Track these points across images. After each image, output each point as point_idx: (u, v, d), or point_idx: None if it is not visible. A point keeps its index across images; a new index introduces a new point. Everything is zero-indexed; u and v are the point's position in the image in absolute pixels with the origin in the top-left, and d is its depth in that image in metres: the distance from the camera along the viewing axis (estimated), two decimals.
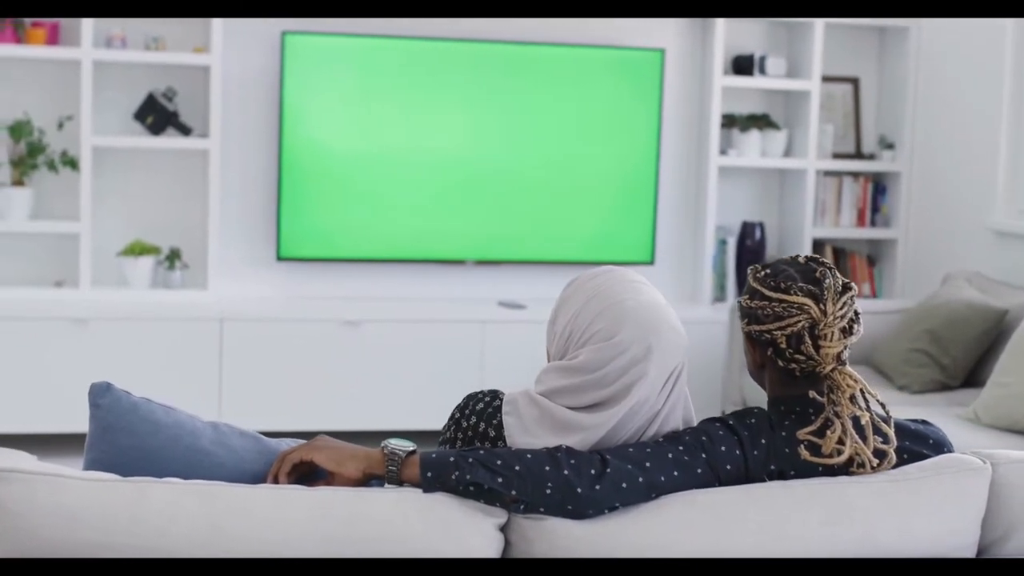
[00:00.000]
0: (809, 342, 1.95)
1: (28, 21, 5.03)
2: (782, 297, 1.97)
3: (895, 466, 1.97)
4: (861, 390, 1.95)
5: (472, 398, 2.07)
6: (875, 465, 1.94)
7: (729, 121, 5.72)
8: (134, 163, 5.28)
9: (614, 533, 1.83)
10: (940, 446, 2.04)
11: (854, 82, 5.94)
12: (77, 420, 4.56)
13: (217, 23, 5.10)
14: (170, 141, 5.14)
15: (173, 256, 5.22)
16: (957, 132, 5.47)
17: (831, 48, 5.82)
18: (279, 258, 5.34)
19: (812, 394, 1.96)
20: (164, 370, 4.98)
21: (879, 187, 5.90)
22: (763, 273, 2.02)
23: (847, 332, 1.97)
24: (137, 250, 5.14)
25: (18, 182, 5.06)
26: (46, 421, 4.92)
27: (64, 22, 5.13)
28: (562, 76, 5.50)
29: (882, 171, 5.87)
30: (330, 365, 5.13)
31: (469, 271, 5.59)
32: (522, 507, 1.83)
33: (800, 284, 1.97)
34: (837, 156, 5.87)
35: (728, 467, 1.92)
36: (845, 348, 1.97)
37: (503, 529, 1.85)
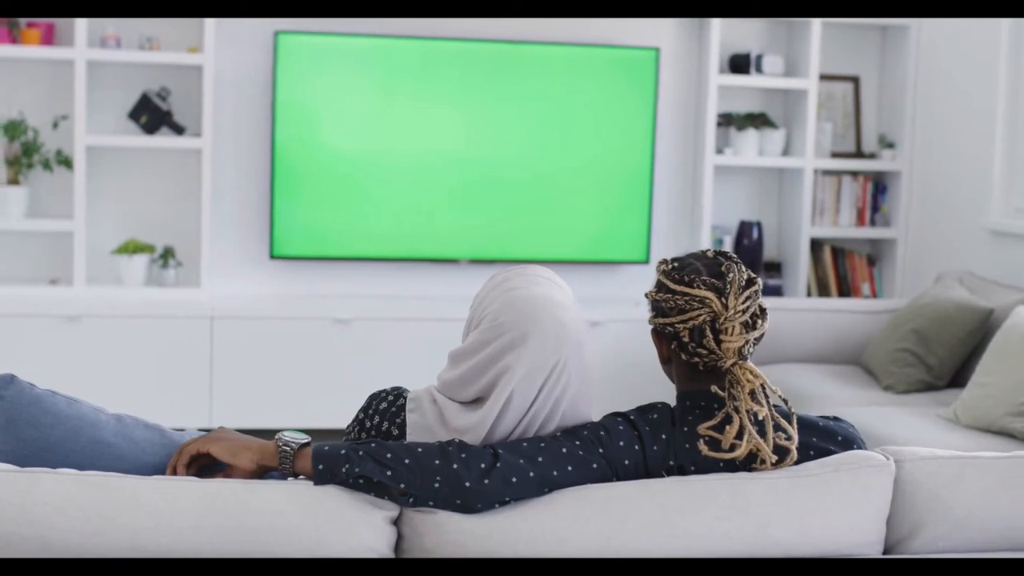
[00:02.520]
0: (710, 336, 1.94)
1: (23, 21, 5.08)
2: (685, 290, 1.96)
3: (799, 462, 1.95)
4: (762, 385, 1.93)
5: (375, 398, 2.07)
6: (775, 461, 1.92)
7: (726, 120, 5.68)
8: (128, 162, 5.32)
9: (504, 527, 1.82)
10: (849, 442, 2.01)
11: (854, 81, 5.89)
12: None
13: (210, 23, 5.13)
14: (164, 140, 5.17)
15: (167, 254, 5.25)
16: (957, 131, 5.41)
17: (831, 47, 5.77)
18: (272, 256, 5.36)
19: (714, 389, 1.94)
20: (157, 367, 5.01)
21: (879, 186, 5.84)
22: (670, 266, 2.01)
23: (749, 327, 1.95)
24: (131, 248, 5.17)
25: (13, 181, 5.12)
26: None
27: (58, 22, 5.17)
28: (557, 75, 5.48)
29: (882, 170, 5.81)
30: (322, 363, 5.14)
31: (463, 270, 5.58)
32: (411, 500, 1.83)
33: (704, 278, 1.96)
34: (837, 155, 5.81)
35: (626, 462, 1.91)
36: (747, 343, 1.94)
37: (396, 522, 1.85)
